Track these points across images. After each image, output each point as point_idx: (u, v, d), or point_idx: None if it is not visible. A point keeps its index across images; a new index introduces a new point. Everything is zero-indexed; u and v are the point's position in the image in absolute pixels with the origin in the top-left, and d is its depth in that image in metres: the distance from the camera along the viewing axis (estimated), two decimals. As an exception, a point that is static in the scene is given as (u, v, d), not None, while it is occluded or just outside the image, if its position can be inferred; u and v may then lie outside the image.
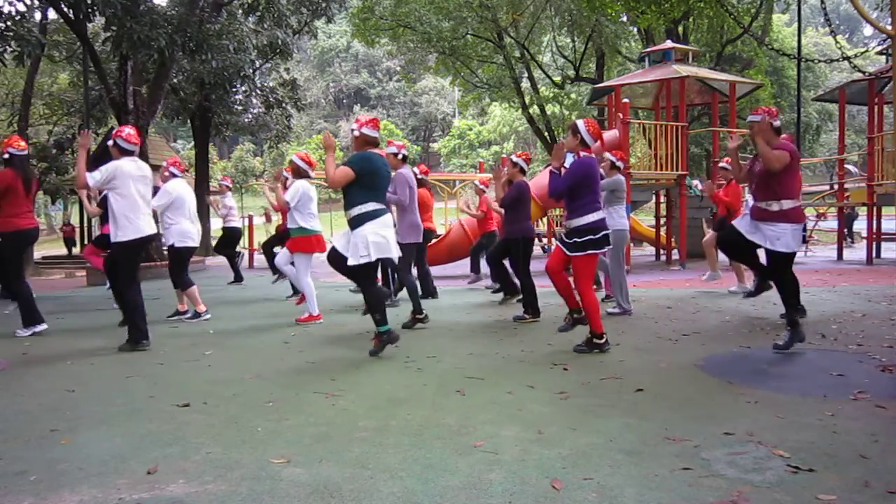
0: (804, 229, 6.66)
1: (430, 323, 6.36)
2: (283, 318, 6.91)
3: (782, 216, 4.57)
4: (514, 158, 6.81)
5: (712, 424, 3.12)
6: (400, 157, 6.70)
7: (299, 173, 6.73)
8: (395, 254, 4.94)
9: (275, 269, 8.68)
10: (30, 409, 3.64)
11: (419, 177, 7.94)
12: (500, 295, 7.88)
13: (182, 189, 6.90)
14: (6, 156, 6.05)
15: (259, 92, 19.98)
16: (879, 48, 12.25)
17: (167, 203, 6.74)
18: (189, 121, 20.54)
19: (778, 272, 4.77)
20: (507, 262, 7.41)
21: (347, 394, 3.83)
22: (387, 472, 2.64)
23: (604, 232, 4.89)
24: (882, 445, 2.82)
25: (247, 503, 2.39)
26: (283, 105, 20.73)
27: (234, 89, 18.65)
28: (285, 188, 6.94)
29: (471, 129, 49.03)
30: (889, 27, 4.90)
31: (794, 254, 4.70)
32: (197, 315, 6.86)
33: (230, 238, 11.01)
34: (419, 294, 6.52)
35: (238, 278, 10.92)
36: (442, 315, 6.85)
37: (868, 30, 61.67)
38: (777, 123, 4.70)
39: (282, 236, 8.86)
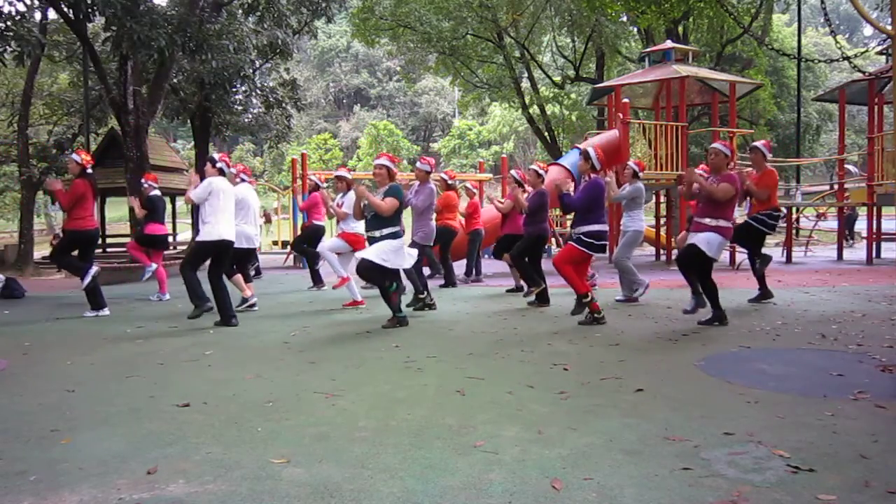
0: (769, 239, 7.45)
1: (430, 323, 6.38)
2: (283, 317, 6.91)
3: (717, 230, 5.70)
4: (538, 170, 7.79)
5: (712, 424, 3.12)
6: (427, 173, 7.64)
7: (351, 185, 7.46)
8: (408, 263, 6.18)
9: (315, 278, 9.55)
10: (30, 409, 3.64)
11: (448, 182, 9.34)
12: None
13: (248, 193, 7.49)
14: (89, 170, 7.18)
15: (259, 92, 19.93)
16: (879, 48, 12.24)
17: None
18: (189, 121, 20.48)
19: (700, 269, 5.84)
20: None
21: (347, 394, 3.83)
22: (387, 472, 2.64)
23: (602, 242, 6.07)
24: (882, 445, 2.82)
25: (247, 503, 2.39)
26: (283, 105, 20.69)
27: (234, 89, 18.60)
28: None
29: (471, 129, 48.91)
30: (889, 27, 4.90)
31: (712, 260, 5.78)
32: (245, 301, 7.41)
33: None
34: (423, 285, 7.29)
35: (256, 273, 11.23)
36: (442, 315, 6.85)
37: (868, 30, 61.65)
38: (730, 165, 5.96)
39: (309, 235, 9.34)
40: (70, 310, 7.88)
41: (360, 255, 6.08)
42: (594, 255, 6.24)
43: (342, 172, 7.82)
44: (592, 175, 6.13)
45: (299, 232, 10.90)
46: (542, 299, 7.38)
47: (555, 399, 3.64)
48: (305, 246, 9.64)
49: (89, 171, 7.18)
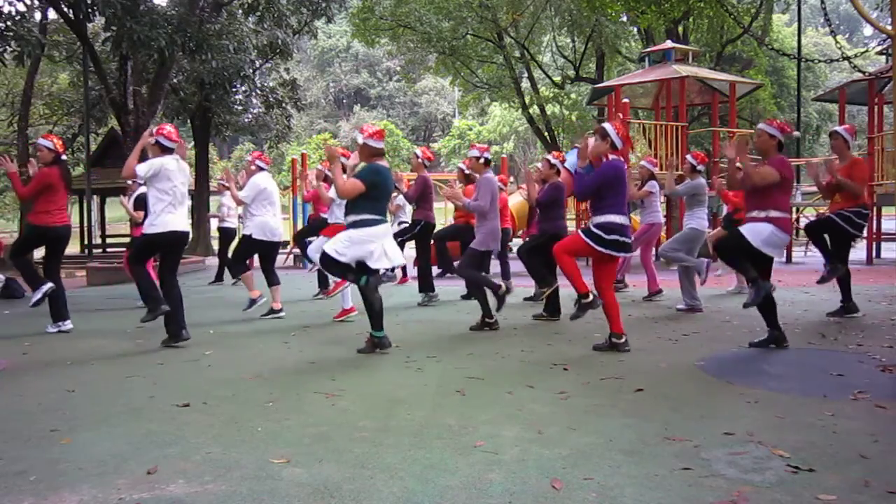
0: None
1: (430, 323, 6.37)
2: (283, 318, 6.90)
3: (767, 220, 4.64)
4: (551, 160, 6.70)
5: (712, 424, 3.12)
6: (482, 160, 6.35)
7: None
8: (383, 265, 4.94)
9: (309, 259, 8.46)
10: (30, 409, 3.64)
11: (466, 172, 7.87)
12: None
13: (269, 182, 7.03)
14: (63, 157, 6.49)
15: (259, 92, 19.97)
16: (879, 48, 12.25)
17: (254, 195, 6.85)
18: (189, 121, 20.53)
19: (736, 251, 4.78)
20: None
21: (347, 394, 3.83)
22: (387, 472, 2.64)
23: (614, 237, 4.84)
24: (882, 445, 2.82)
25: (247, 503, 2.39)
26: (283, 105, 20.73)
27: (234, 89, 18.65)
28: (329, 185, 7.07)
29: (471, 129, 48.95)
30: (889, 27, 4.90)
31: (763, 255, 4.70)
32: (253, 302, 6.92)
33: (225, 239, 10.95)
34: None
35: (219, 278, 10.90)
36: (442, 315, 6.85)
37: (868, 30, 61.61)
38: (781, 138, 4.78)
39: (314, 227, 8.87)
40: (70, 310, 7.86)
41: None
42: (619, 255, 5.04)
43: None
44: (611, 156, 4.95)
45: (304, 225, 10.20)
46: (552, 310, 6.41)
47: (555, 399, 3.64)
48: (307, 240, 8.65)
49: (63, 158, 6.47)
